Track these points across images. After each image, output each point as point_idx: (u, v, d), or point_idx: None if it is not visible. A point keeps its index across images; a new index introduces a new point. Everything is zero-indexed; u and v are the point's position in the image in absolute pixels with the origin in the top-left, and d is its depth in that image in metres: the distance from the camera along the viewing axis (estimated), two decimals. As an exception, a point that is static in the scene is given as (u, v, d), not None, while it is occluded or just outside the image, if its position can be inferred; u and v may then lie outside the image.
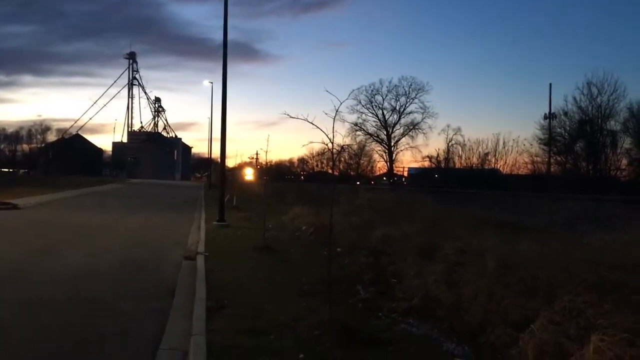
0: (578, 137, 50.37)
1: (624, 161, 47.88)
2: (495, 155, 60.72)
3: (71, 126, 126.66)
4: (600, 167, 47.85)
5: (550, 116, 52.38)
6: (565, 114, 51.46)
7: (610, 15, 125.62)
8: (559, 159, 51.88)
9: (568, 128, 51.67)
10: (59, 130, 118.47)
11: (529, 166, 55.89)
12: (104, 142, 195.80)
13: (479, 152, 61.92)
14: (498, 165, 60.92)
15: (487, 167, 60.96)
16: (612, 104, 48.35)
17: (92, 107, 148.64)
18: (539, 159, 54.25)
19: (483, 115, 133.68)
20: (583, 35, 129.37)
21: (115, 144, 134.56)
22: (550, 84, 59.15)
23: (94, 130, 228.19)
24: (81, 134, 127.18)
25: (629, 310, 5.37)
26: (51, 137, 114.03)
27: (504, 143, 59.94)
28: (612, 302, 5.57)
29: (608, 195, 32.54)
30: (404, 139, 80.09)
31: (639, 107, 46.55)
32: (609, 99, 48.38)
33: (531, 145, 55.73)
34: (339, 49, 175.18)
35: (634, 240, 8.74)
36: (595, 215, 20.84)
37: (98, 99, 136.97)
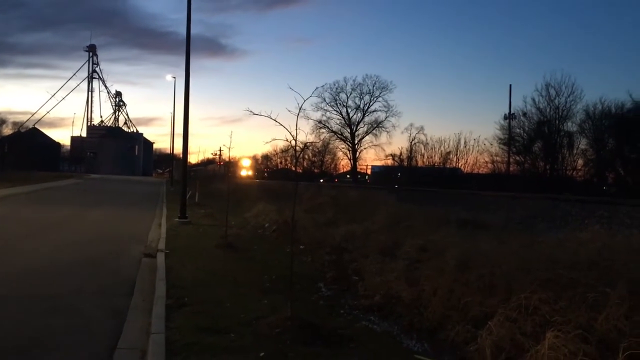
0: (536, 138, 51.73)
1: (580, 161, 49.41)
2: (456, 154, 61.81)
3: (28, 119, 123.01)
4: (557, 167, 49.26)
5: (509, 117, 53.63)
6: (525, 114, 52.88)
7: (570, 18, 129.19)
8: (518, 158, 53.18)
9: (527, 128, 53.11)
10: (15, 124, 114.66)
11: (489, 165, 57.18)
12: (62, 136, 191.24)
13: (441, 151, 62.96)
14: (459, 164, 61.99)
15: (448, 166, 61.94)
16: (569, 105, 49.95)
17: (50, 100, 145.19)
18: (498, 158, 55.55)
19: (445, 115, 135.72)
20: (543, 37, 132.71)
21: (74, 139, 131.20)
22: (510, 85, 60.59)
23: (52, 124, 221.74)
24: (38, 128, 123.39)
25: (584, 307, 5.52)
26: (7, 131, 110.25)
27: (465, 142, 61.10)
28: (568, 299, 5.71)
29: (563, 195, 33.46)
30: (367, 137, 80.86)
31: (595, 109, 48.02)
32: (567, 100, 49.95)
33: (491, 145, 57.06)
34: (304, 46, 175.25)
35: (588, 239, 9.00)
36: (551, 214, 21.44)
37: (57, 92, 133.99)
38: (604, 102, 48.28)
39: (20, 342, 5.81)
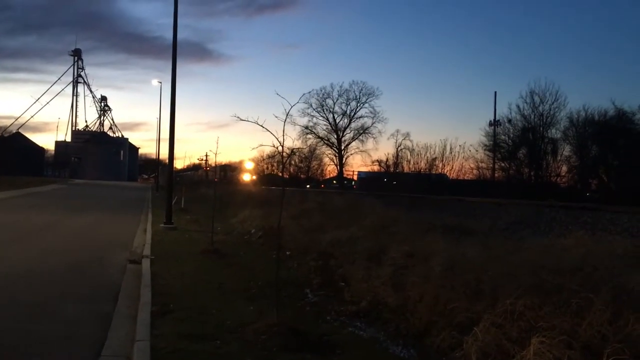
0: (521, 144, 52.06)
1: (564, 168, 49.78)
2: (442, 161, 61.92)
3: (12, 124, 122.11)
4: (541, 173, 49.60)
5: (495, 123, 54.05)
6: (509, 121, 53.19)
7: (554, 26, 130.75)
8: (503, 165, 53.49)
9: (512, 135, 53.41)
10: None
11: (475, 172, 57.37)
12: (46, 141, 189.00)
13: (427, 157, 63.02)
14: (445, 170, 62.16)
15: (434, 172, 62.12)
16: (553, 112, 50.33)
17: (34, 104, 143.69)
18: (484, 164, 55.78)
19: (431, 121, 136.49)
20: (528, 45, 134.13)
21: (58, 143, 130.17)
22: (496, 92, 61.28)
23: (36, 128, 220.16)
24: (22, 132, 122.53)
25: (568, 313, 5.56)
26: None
27: (451, 149, 61.22)
28: (552, 305, 5.75)
29: (547, 201, 33.73)
30: (354, 142, 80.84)
31: (579, 117, 48.51)
32: (551, 107, 50.34)
33: (477, 151, 57.25)
34: (292, 51, 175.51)
35: (572, 245, 9.08)
36: (536, 220, 21.58)
37: (41, 96, 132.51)
38: (587, 109, 48.74)
39: (2, 349, 5.72)
